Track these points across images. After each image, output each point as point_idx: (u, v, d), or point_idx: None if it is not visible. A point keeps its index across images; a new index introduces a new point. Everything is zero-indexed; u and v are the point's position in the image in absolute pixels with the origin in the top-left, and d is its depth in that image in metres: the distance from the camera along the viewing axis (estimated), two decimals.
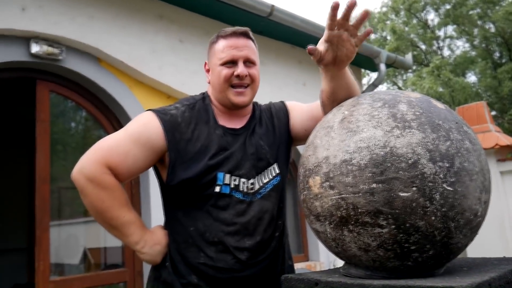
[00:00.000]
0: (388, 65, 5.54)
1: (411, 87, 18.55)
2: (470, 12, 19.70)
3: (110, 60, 3.45)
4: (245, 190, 1.42)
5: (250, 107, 1.58)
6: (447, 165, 1.03)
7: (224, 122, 1.50)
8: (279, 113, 1.63)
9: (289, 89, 4.75)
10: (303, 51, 5.03)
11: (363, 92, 5.41)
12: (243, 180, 1.42)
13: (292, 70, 4.87)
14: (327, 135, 1.15)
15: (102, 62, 3.45)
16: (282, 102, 1.67)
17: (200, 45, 4.01)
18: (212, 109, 1.50)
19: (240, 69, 1.42)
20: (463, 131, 1.11)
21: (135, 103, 3.56)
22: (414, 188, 1.01)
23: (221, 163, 1.40)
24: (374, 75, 5.76)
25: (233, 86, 1.44)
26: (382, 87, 23.31)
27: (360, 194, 1.04)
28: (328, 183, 1.09)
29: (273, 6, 3.97)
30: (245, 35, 1.47)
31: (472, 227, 1.09)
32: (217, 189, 1.38)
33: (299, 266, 4.36)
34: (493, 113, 19.19)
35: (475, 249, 5.95)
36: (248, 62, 1.46)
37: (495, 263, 1.19)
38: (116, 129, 3.56)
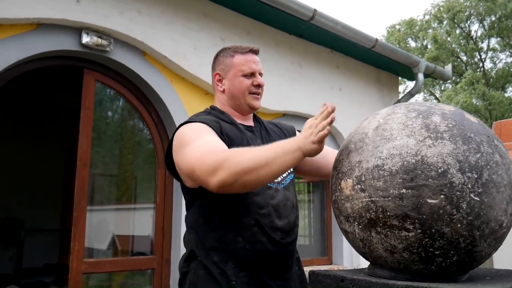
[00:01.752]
0: (426, 75, 5.51)
1: (446, 100, 18.18)
2: None
3: (154, 54, 3.58)
4: None
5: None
6: (476, 176, 1.08)
7: (239, 121, 1.72)
8: (289, 130, 1.87)
9: (324, 93, 4.79)
10: (341, 56, 5.09)
11: (398, 101, 5.40)
12: None
13: (329, 75, 4.91)
14: (361, 141, 1.21)
15: (147, 55, 3.58)
16: (292, 126, 1.92)
17: (240, 44, 4.10)
18: (225, 114, 1.71)
19: (260, 79, 1.70)
20: (494, 145, 1.16)
21: (175, 97, 3.68)
22: (442, 196, 1.06)
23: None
24: (411, 84, 5.71)
25: (250, 93, 1.69)
26: (419, 97, 22.90)
27: (390, 198, 1.10)
28: (359, 186, 1.15)
29: (315, 10, 4.02)
30: (258, 53, 1.75)
31: (496, 237, 1.13)
32: None
33: (323, 268, 4.40)
34: None
35: (502, 261, 5.84)
36: (260, 74, 1.73)
37: None
38: (154, 121, 3.70)
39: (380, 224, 1.12)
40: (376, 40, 4.54)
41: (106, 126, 4.06)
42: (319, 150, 1.31)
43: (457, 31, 20.70)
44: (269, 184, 1.57)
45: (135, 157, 4.18)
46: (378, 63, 5.30)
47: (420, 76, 5.10)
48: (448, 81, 21.13)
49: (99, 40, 3.27)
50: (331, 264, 4.86)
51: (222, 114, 1.69)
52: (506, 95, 19.97)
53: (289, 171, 1.69)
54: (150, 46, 3.49)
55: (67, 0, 3.09)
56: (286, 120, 4.44)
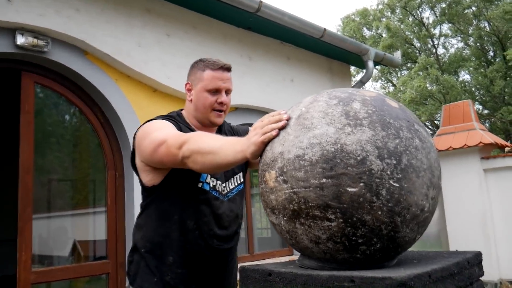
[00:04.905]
0: (376, 63, 5.59)
1: (402, 86, 18.64)
2: (466, 11, 19.77)
3: (96, 53, 3.47)
4: (220, 190, 1.73)
5: None
6: (394, 162, 1.08)
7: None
8: (243, 134, 1.87)
9: (276, 85, 4.79)
10: (291, 47, 5.09)
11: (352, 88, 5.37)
12: (219, 182, 1.73)
13: (280, 66, 4.91)
14: (284, 131, 1.19)
15: (88, 55, 3.47)
16: (248, 128, 1.94)
17: (187, 40, 4.04)
18: (188, 123, 1.79)
19: (223, 98, 1.75)
20: (414, 130, 1.16)
21: (121, 96, 3.59)
22: (362, 184, 1.06)
23: None
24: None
25: (213, 109, 1.75)
26: (377, 85, 23.37)
27: (311, 188, 1.08)
28: (282, 177, 1.14)
29: (261, 2, 3.99)
30: (229, 69, 1.78)
31: (419, 221, 1.13)
32: (200, 185, 1.67)
33: (283, 260, 4.42)
34: (486, 111, 19.32)
35: (459, 245, 6.06)
36: (227, 92, 1.77)
37: (445, 256, 1.25)
38: (101, 121, 3.59)
39: (303, 215, 1.10)
40: (324, 30, 4.56)
41: (51, 129, 3.91)
42: (258, 151, 1.26)
43: (410, 19, 21.20)
44: (216, 196, 1.71)
45: (84, 160, 4.05)
46: (329, 53, 5.34)
47: (370, 64, 5.17)
48: (404, 69, 21.65)
49: (35, 40, 3.14)
50: (292, 255, 4.88)
51: (185, 123, 1.77)
52: (460, 79, 20.65)
53: (237, 183, 1.82)
54: (91, 44, 3.38)
55: None
56: (239, 114, 4.41)
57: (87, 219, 4.20)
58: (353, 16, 22.12)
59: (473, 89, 19.85)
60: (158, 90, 3.83)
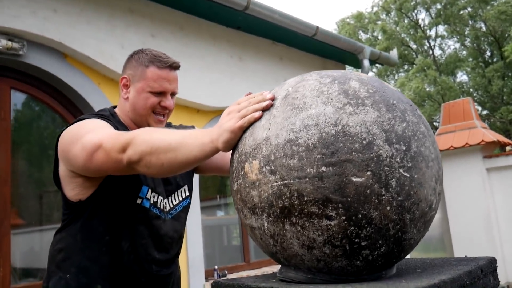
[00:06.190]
0: (372, 62, 5.43)
1: (400, 88, 18.52)
2: (461, 12, 19.69)
3: (77, 56, 3.29)
4: (161, 207, 1.48)
5: None
6: (404, 148, 0.90)
7: None
8: None
9: (268, 86, 4.60)
10: (284, 47, 4.92)
11: None
12: (160, 198, 1.48)
13: (273, 67, 4.73)
14: (268, 113, 0.99)
15: (68, 58, 3.29)
16: (194, 127, 1.69)
17: (173, 41, 3.87)
18: (124, 124, 1.50)
19: (169, 101, 1.48)
20: (418, 115, 0.99)
21: (104, 101, 3.40)
22: (369, 173, 0.87)
23: (146, 178, 1.43)
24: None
25: (154, 113, 1.48)
26: None
27: (307, 179, 0.89)
28: (268, 167, 0.93)
29: None
30: (177, 68, 1.51)
31: (426, 220, 0.95)
32: (139, 201, 1.41)
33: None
34: (485, 112, 19.17)
35: (463, 248, 5.86)
36: (173, 94, 1.51)
37: (453, 263, 1.05)
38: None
39: (296, 213, 0.90)
40: (317, 27, 4.39)
41: (29, 136, 3.70)
42: (234, 139, 1.03)
43: (405, 21, 21.11)
44: (157, 214, 1.46)
45: None
46: (323, 52, 5.17)
47: (366, 63, 5.00)
48: (401, 71, 21.54)
49: (10, 43, 2.96)
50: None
51: (121, 125, 1.46)
52: (458, 80, 20.52)
53: (182, 197, 1.57)
54: (70, 47, 3.20)
55: None
56: None
57: None
58: (348, 20, 22.05)
59: (471, 90, 19.72)
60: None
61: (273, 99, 1.01)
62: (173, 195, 1.54)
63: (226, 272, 4.21)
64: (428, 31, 21.25)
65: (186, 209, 1.60)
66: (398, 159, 0.89)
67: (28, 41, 3.05)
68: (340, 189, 0.87)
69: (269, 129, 0.97)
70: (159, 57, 1.46)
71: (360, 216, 0.87)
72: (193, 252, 3.81)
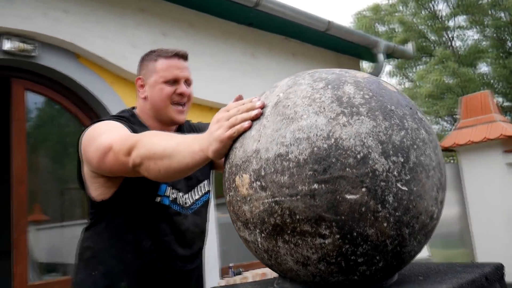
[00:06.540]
0: (388, 55, 5.33)
1: (419, 81, 18.19)
2: (481, 1, 19.23)
3: (89, 56, 3.30)
4: (182, 203, 1.50)
5: None
6: (402, 160, 0.86)
7: None
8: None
9: None
10: (297, 43, 4.86)
11: None
12: (180, 194, 1.49)
13: (286, 63, 4.68)
14: (257, 123, 0.95)
15: (81, 58, 3.30)
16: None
17: (185, 39, 3.85)
18: (144, 124, 1.52)
19: (183, 88, 1.49)
20: (418, 119, 0.94)
21: (117, 100, 3.41)
22: (364, 189, 0.83)
23: None
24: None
25: (173, 103, 1.50)
26: (392, 80, 22.91)
27: (299, 197, 0.85)
28: (259, 182, 0.90)
29: None
30: (185, 57, 1.54)
31: (427, 231, 0.91)
32: (158, 199, 1.43)
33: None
34: (507, 103, 18.73)
35: (484, 245, 5.73)
36: (187, 82, 1.53)
37: (458, 269, 1.01)
38: None
39: (288, 231, 0.87)
40: (329, 22, 4.32)
41: (45, 137, 3.74)
42: (224, 149, 1.00)
43: (423, 12, 20.71)
44: (178, 210, 1.48)
45: None
46: (337, 47, 5.09)
47: (380, 57, 4.91)
48: (419, 63, 21.17)
49: (22, 45, 2.99)
50: None
51: (139, 125, 1.48)
52: (478, 71, 20.08)
53: (202, 192, 1.58)
54: (81, 47, 3.21)
55: None
56: None
57: None
58: (364, 12, 21.73)
59: (492, 81, 19.28)
60: None
61: (262, 107, 0.97)
62: (193, 190, 1.56)
63: (241, 269, 4.20)
64: (446, 22, 20.82)
65: (206, 203, 1.62)
66: (395, 173, 0.85)
67: (40, 42, 3.08)
68: (334, 208, 0.83)
69: (259, 141, 0.93)
70: (165, 50, 1.52)
71: (355, 234, 0.84)
72: (208, 250, 3.80)
